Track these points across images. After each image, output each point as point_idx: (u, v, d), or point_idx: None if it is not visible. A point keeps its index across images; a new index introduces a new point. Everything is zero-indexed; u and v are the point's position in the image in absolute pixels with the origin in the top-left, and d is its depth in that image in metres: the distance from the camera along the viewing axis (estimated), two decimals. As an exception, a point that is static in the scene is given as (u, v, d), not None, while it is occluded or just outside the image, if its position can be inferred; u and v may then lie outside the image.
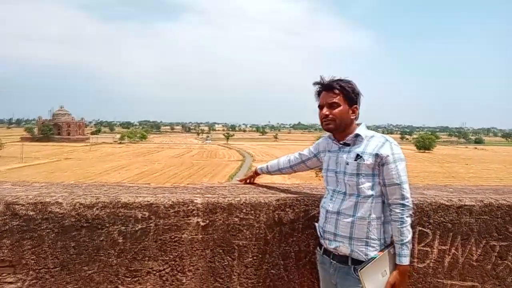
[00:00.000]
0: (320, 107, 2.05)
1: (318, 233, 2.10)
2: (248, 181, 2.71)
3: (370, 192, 1.93)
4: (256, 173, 2.68)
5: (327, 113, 2.01)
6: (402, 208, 1.91)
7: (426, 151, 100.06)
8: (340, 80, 2.02)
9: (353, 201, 1.94)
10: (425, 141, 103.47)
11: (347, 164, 1.97)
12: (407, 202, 1.92)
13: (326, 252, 2.05)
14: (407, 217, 1.91)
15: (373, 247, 1.93)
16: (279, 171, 2.51)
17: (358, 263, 1.92)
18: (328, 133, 2.16)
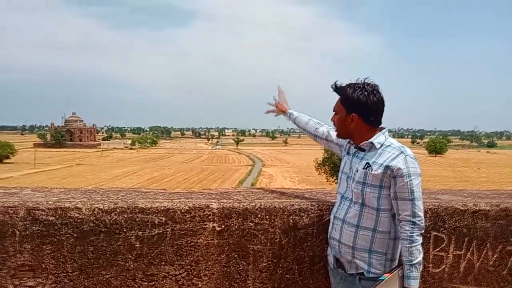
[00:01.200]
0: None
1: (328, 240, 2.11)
2: (276, 109, 2.54)
3: (375, 204, 1.86)
4: (285, 112, 2.52)
5: (332, 119, 2.05)
6: (412, 226, 1.79)
7: (437, 155, 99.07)
8: (345, 86, 1.96)
9: (357, 210, 1.89)
10: (436, 145, 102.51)
11: (357, 171, 1.91)
12: (419, 220, 1.80)
13: (334, 259, 2.05)
14: (417, 235, 1.79)
15: (377, 260, 1.87)
16: (304, 130, 2.42)
17: (363, 273, 1.90)
18: None
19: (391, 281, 1.82)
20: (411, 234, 1.79)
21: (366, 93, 1.88)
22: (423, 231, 1.83)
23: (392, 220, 1.88)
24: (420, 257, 1.80)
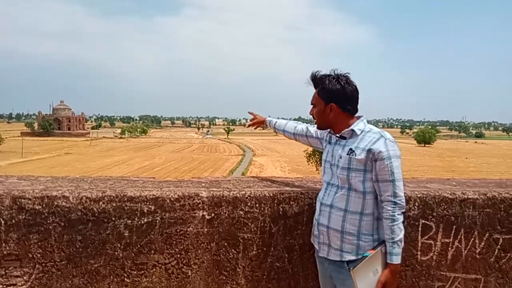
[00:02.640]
0: None
1: (313, 227, 2.12)
2: (255, 122, 2.71)
3: (360, 187, 1.92)
4: (263, 122, 2.68)
5: (311, 112, 2.09)
6: (394, 206, 1.87)
7: (426, 145, 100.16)
8: (320, 77, 2.02)
9: (345, 195, 1.94)
10: (425, 135, 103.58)
11: (340, 157, 1.97)
12: (399, 200, 1.88)
13: (320, 245, 2.06)
14: (398, 215, 1.87)
15: (365, 242, 1.92)
16: (283, 132, 2.52)
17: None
18: None
19: (375, 258, 1.90)
20: (392, 214, 1.87)
21: (342, 83, 1.96)
22: (403, 210, 1.90)
23: (375, 201, 1.94)
24: (401, 235, 1.87)
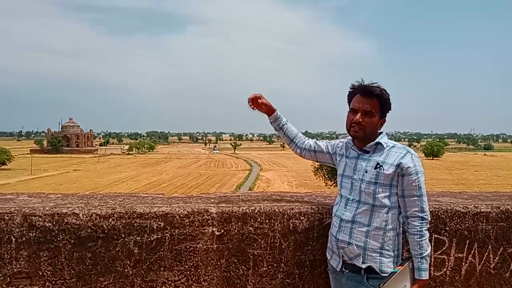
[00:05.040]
0: (354, 111, 1.96)
1: (329, 243, 2.09)
2: (263, 102, 2.25)
3: (386, 202, 1.90)
4: (271, 110, 2.29)
5: (360, 120, 1.94)
6: (421, 222, 1.88)
7: (434, 158, 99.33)
8: (380, 88, 1.94)
9: (368, 210, 1.91)
10: (433, 148, 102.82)
11: (366, 172, 1.94)
12: (426, 215, 1.89)
13: (339, 261, 2.02)
14: (425, 230, 1.89)
15: (387, 258, 1.90)
16: (291, 139, 2.31)
17: (371, 272, 1.91)
18: (346, 138, 2.14)
19: (403, 273, 1.89)
20: (420, 229, 1.88)
21: (390, 97, 1.98)
22: (429, 225, 1.92)
23: (398, 216, 1.94)
24: (429, 250, 1.89)
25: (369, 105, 1.93)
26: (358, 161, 2.00)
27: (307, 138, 2.35)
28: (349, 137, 2.08)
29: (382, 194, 1.90)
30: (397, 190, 1.91)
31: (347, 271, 1.98)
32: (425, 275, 1.88)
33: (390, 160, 1.91)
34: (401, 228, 1.96)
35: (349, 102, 2.03)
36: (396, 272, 1.87)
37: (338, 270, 2.02)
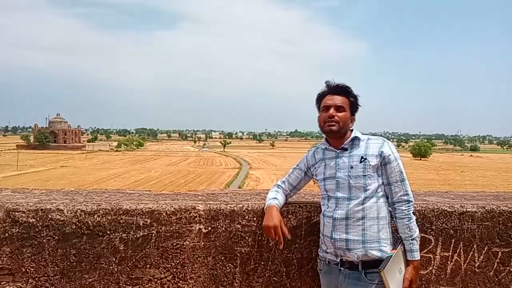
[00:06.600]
0: (327, 108, 2.04)
1: (323, 245, 2.07)
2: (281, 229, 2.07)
3: (376, 193, 1.97)
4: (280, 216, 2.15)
5: (333, 113, 2.00)
6: (408, 205, 1.98)
7: (422, 158, 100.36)
8: (347, 88, 2.07)
9: (360, 204, 1.95)
10: (421, 149, 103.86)
11: (352, 168, 1.98)
12: (410, 198, 1.99)
13: (336, 260, 2.02)
14: (412, 212, 1.99)
15: (385, 246, 1.95)
16: (285, 203, 2.25)
17: (369, 266, 1.92)
18: (318, 144, 2.19)
19: (397, 257, 1.94)
20: (408, 212, 1.98)
21: (358, 98, 2.09)
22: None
23: (386, 204, 2.01)
24: (417, 231, 1.99)
25: (340, 101, 2.04)
26: (338, 160, 2.04)
27: (282, 187, 2.26)
28: (321, 142, 2.16)
29: (372, 186, 1.96)
30: (383, 179, 2.00)
31: (343, 268, 1.98)
32: (417, 256, 1.97)
33: (371, 151, 1.99)
34: (389, 216, 2.02)
35: (318, 105, 2.11)
36: (392, 255, 1.91)
37: (335, 269, 2.01)
